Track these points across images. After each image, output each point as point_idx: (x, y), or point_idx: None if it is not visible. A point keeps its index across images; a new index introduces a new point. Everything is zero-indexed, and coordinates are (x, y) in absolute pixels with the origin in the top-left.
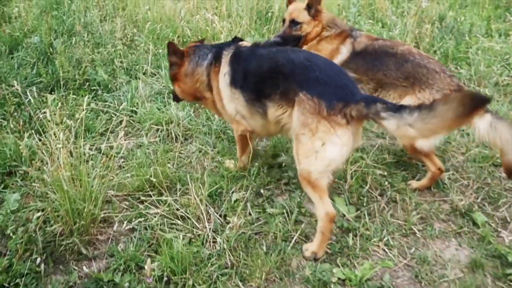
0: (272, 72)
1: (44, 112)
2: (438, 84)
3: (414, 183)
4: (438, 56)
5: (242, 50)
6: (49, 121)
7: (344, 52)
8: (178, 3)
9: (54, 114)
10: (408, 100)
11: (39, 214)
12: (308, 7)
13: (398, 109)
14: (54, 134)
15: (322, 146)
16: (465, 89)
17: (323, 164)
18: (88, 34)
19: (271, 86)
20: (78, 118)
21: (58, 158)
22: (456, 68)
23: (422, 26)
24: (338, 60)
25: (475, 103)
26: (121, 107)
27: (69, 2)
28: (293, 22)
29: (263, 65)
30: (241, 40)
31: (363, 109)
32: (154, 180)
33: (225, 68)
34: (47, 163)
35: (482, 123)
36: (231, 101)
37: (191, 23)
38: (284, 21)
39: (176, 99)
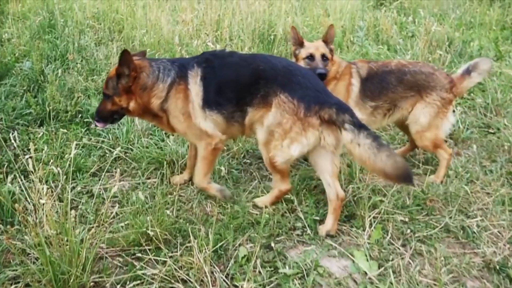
0: (253, 77)
1: (29, 150)
2: (439, 83)
3: (434, 178)
4: None
5: (212, 65)
6: (32, 171)
7: (355, 84)
8: (177, 25)
9: (42, 150)
10: (419, 107)
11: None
12: (326, 43)
13: (359, 127)
14: (39, 180)
15: (290, 145)
16: (456, 83)
17: (286, 157)
18: (82, 60)
19: (252, 92)
20: (68, 159)
21: (42, 209)
22: (469, 95)
23: (432, 51)
24: (354, 92)
25: (400, 178)
26: (115, 151)
27: (63, 24)
28: (323, 57)
29: (242, 73)
30: (211, 55)
31: (333, 114)
32: (151, 233)
33: (196, 88)
34: (31, 213)
35: (474, 79)
36: (206, 121)
37: (190, 46)
38: (311, 56)
39: (104, 119)
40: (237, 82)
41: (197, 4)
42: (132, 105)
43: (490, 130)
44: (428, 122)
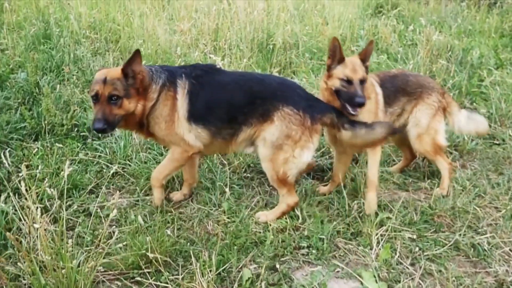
0: (247, 99)
1: (23, 170)
2: (436, 86)
3: (439, 190)
4: (452, 92)
5: (201, 81)
6: (25, 191)
7: (379, 92)
8: (174, 35)
9: (37, 167)
10: (421, 108)
11: None
12: (362, 61)
13: (354, 124)
14: (33, 202)
15: (301, 152)
16: (445, 92)
17: (300, 166)
18: (78, 71)
19: (246, 112)
20: (63, 177)
21: (36, 230)
22: (472, 104)
23: (434, 61)
24: (380, 100)
25: (391, 132)
26: (113, 167)
27: (58, 35)
28: (362, 81)
29: (235, 94)
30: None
31: (334, 119)
32: (151, 256)
33: (182, 99)
34: (26, 235)
35: (461, 117)
36: (190, 132)
37: (188, 57)
38: (348, 80)
39: (111, 125)
40: (229, 103)
41: (195, 13)
42: (139, 108)
43: (495, 141)
44: (428, 124)
